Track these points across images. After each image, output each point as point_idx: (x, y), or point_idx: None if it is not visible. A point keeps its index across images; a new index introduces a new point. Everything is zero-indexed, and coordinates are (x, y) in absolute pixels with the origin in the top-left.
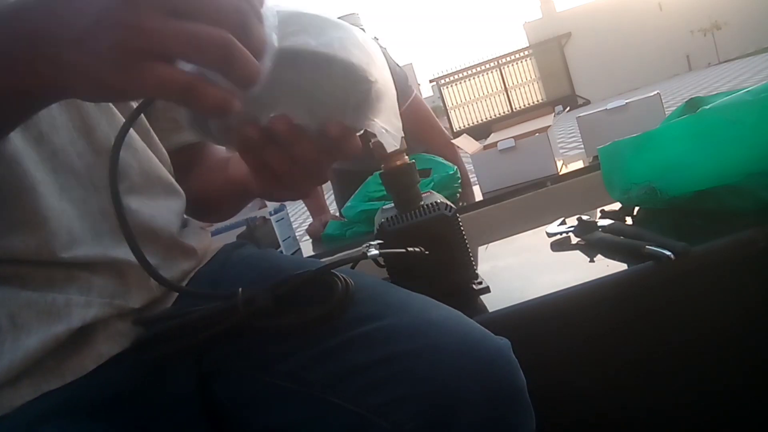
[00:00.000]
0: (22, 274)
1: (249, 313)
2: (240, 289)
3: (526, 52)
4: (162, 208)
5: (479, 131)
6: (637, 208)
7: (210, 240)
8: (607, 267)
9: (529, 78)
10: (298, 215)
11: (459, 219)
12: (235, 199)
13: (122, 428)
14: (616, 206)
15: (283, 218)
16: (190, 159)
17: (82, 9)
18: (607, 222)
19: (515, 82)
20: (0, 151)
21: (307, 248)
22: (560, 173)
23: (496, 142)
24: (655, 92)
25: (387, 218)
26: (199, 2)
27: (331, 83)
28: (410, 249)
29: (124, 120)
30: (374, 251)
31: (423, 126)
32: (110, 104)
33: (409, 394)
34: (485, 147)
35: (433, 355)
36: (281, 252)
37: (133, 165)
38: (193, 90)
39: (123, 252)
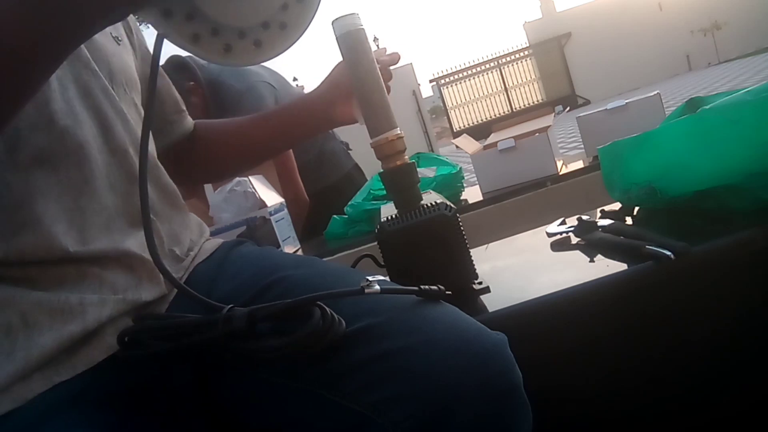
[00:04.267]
0: (31, 276)
1: (225, 332)
2: (229, 306)
3: (526, 52)
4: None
5: (479, 131)
6: (637, 208)
7: (207, 232)
8: (607, 267)
9: (529, 78)
10: None
11: (459, 219)
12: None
13: (129, 421)
14: (616, 206)
15: (283, 218)
16: (194, 141)
17: None
18: (607, 222)
19: (515, 82)
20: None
21: (307, 248)
22: (560, 173)
23: (496, 142)
24: (655, 92)
25: (387, 218)
26: None
27: None
28: (423, 287)
29: (135, 125)
30: (376, 287)
31: (280, 172)
32: (123, 109)
33: (405, 392)
34: (485, 147)
35: (429, 352)
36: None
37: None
38: None
39: (133, 244)
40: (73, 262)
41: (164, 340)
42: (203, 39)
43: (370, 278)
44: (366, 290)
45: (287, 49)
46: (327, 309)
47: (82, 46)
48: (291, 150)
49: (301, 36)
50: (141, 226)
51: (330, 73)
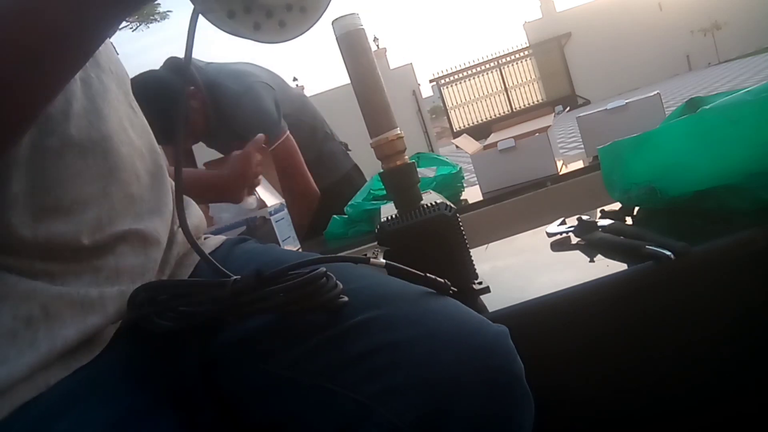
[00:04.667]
0: (51, 270)
1: (233, 290)
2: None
3: (526, 52)
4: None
5: (479, 131)
6: (637, 208)
7: (204, 223)
8: (607, 267)
9: (529, 78)
10: None
11: (459, 219)
12: None
13: (143, 406)
14: (616, 206)
15: (283, 218)
16: None
17: None
18: (607, 222)
19: (515, 82)
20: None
21: (307, 248)
22: (560, 173)
23: (496, 142)
24: (655, 92)
25: (387, 218)
26: None
27: None
28: (430, 276)
29: (146, 129)
30: (381, 260)
31: (286, 168)
32: (138, 113)
33: (407, 382)
34: (485, 147)
35: (431, 343)
36: None
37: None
38: None
39: (156, 228)
40: (94, 250)
41: (175, 298)
42: (238, 15)
43: (377, 250)
44: (372, 260)
45: (307, 30)
46: (332, 275)
47: (103, 55)
48: (296, 145)
49: (318, 19)
50: (161, 214)
51: (235, 163)
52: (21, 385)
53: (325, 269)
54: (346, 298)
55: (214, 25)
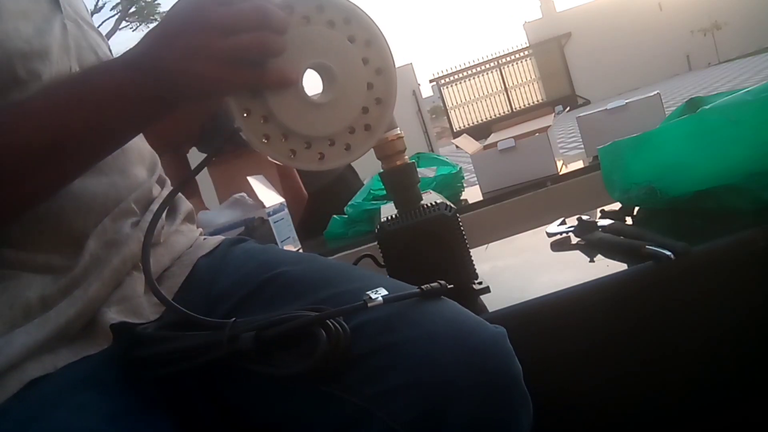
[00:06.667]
0: (53, 264)
1: (230, 351)
2: (232, 321)
3: (526, 52)
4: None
5: (479, 131)
6: (637, 208)
7: (198, 231)
8: (607, 267)
9: (529, 78)
10: None
11: (459, 219)
12: None
13: (145, 405)
14: (616, 206)
15: (282, 218)
16: None
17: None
18: (607, 222)
19: (515, 82)
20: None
21: (307, 249)
22: (560, 173)
23: (496, 142)
24: (655, 92)
25: (387, 218)
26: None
27: None
28: (425, 287)
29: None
30: (379, 299)
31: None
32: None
33: (404, 384)
34: (485, 147)
35: (429, 344)
36: None
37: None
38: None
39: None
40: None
41: (169, 363)
42: (273, 141)
43: (371, 293)
44: (369, 304)
45: (344, 165)
46: (331, 326)
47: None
48: None
49: (360, 156)
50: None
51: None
52: (29, 362)
53: (324, 333)
54: (348, 333)
55: (250, 144)
